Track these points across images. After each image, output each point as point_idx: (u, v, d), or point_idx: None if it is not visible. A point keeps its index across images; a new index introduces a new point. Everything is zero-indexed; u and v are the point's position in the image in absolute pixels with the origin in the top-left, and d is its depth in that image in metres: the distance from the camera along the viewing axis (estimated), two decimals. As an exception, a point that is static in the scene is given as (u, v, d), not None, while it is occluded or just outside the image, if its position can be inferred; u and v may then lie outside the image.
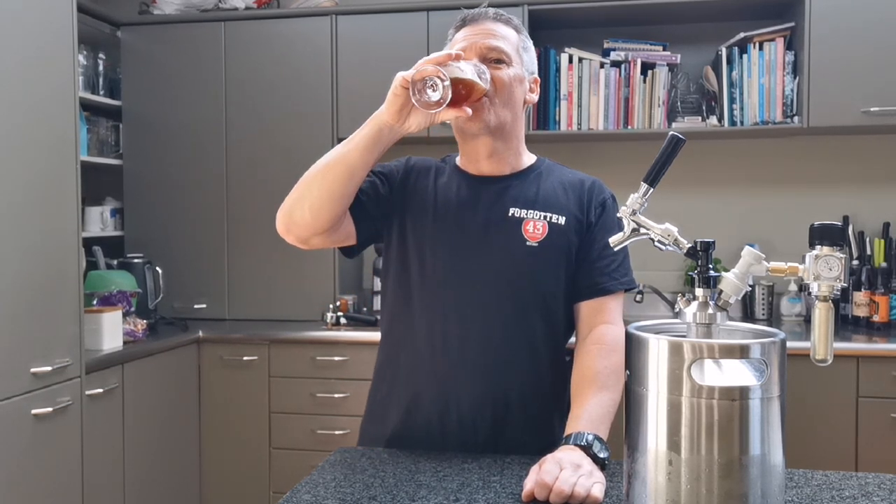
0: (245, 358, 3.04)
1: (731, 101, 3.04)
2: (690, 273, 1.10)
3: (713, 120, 3.06)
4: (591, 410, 1.31)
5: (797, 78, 2.98)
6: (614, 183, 1.67)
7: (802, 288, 3.13)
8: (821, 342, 0.99)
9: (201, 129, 3.34)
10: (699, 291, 1.02)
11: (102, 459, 2.56)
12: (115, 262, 3.13)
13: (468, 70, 1.30)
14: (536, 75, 1.53)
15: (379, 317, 1.64)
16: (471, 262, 1.45)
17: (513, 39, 1.47)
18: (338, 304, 3.20)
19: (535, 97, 1.53)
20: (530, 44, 1.52)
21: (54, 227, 2.30)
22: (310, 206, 1.36)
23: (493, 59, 1.42)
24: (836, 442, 2.63)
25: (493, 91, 1.41)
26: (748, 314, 3.20)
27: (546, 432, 1.47)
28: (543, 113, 3.16)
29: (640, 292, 3.12)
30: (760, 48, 3.02)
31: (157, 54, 3.37)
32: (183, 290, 3.32)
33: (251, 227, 3.28)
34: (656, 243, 1.08)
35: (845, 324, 3.01)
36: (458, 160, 1.56)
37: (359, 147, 1.33)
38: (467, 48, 1.43)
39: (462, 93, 1.28)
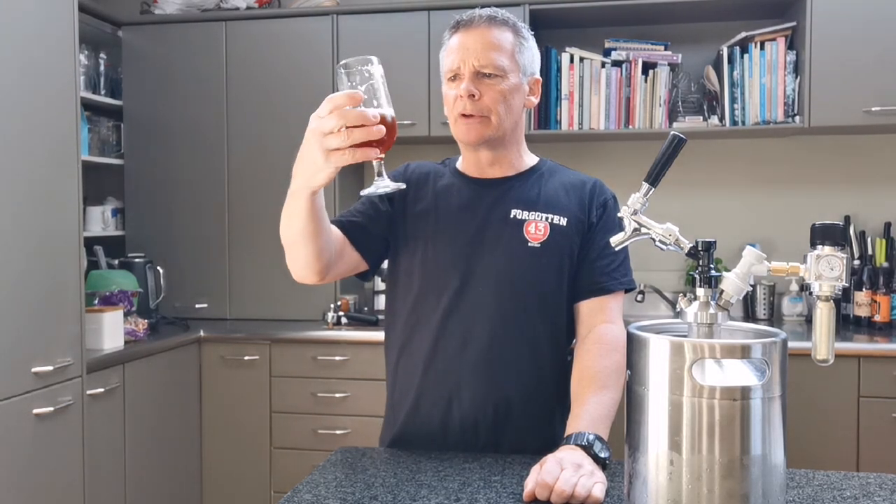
0: (246, 357, 3.04)
1: (733, 100, 3.04)
2: (692, 273, 1.10)
3: (714, 120, 3.06)
4: (591, 410, 1.31)
5: (798, 77, 2.97)
6: (615, 183, 1.67)
7: (804, 288, 3.13)
8: (822, 342, 0.99)
9: (202, 128, 3.34)
10: (700, 291, 1.02)
11: (103, 459, 2.56)
12: (116, 261, 3.13)
13: (372, 111, 1.09)
14: (537, 75, 1.51)
15: (382, 317, 1.64)
16: (473, 264, 1.45)
17: (508, 45, 1.43)
18: (339, 303, 3.20)
19: (534, 100, 1.51)
20: (530, 43, 1.48)
21: (55, 227, 2.30)
22: (302, 266, 1.37)
23: (487, 73, 1.41)
24: (838, 442, 2.63)
25: (487, 109, 1.41)
26: (749, 314, 3.20)
27: (547, 432, 1.47)
28: (544, 113, 3.16)
29: (642, 292, 3.12)
30: (762, 48, 3.02)
31: (158, 54, 3.37)
32: (184, 289, 3.32)
33: (252, 226, 3.28)
34: (657, 243, 1.08)
35: (846, 324, 3.00)
36: (458, 163, 1.56)
37: (307, 219, 1.26)
38: (461, 65, 1.41)
39: (388, 135, 1.10)
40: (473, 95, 1.40)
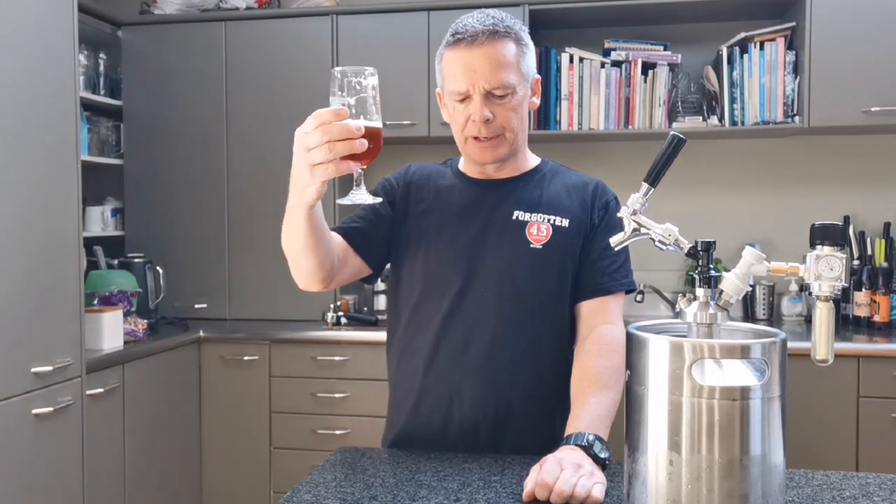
0: (246, 357, 3.04)
1: (732, 100, 3.04)
2: (691, 273, 1.10)
3: (714, 120, 3.06)
4: (591, 410, 1.31)
5: (798, 78, 2.98)
6: (615, 183, 1.67)
7: (803, 288, 3.13)
8: (821, 342, 0.99)
9: (202, 128, 3.34)
10: (700, 291, 1.02)
11: (103, 459, 2.56)
12: (115, 261, 3.13)
13: (360, 123, 1.09)
14: (537, 74, 1.50)
15: (382, 317, 1.64)
16: (475, 265, 1.45)
17: (513, 58, 1.40)
18: (338, 303, 3.19)
19: (537, 101, 1.51)
20: (530, 46, 1.46)
21: (55, 227, 2.30)
22: (306, 275, 1.38)
23: (499, 95, 1.39)
24: (837, 442, 2.63)
25: (501, 128, 1.41)
26: (749, 314, 3.20)
27: (547, 433, 1.47)
28: (544, 113, 3.16)
29: (641, 292, 3.12)
30: (761, 48, 3.02)
31: (157, 54, 3.37)
32: (183, 289, 3.32)
33: (252, 226, 3.28)
34: (657, 243, 1.08)
35: (846, 324, 3.01)
36: (461, 164, 1.56)
37: (306, 233, 1.27)
38: (469, 88, 1.38)
39: (372, 147, 1.10)
40: (488, 120, 1.39)
